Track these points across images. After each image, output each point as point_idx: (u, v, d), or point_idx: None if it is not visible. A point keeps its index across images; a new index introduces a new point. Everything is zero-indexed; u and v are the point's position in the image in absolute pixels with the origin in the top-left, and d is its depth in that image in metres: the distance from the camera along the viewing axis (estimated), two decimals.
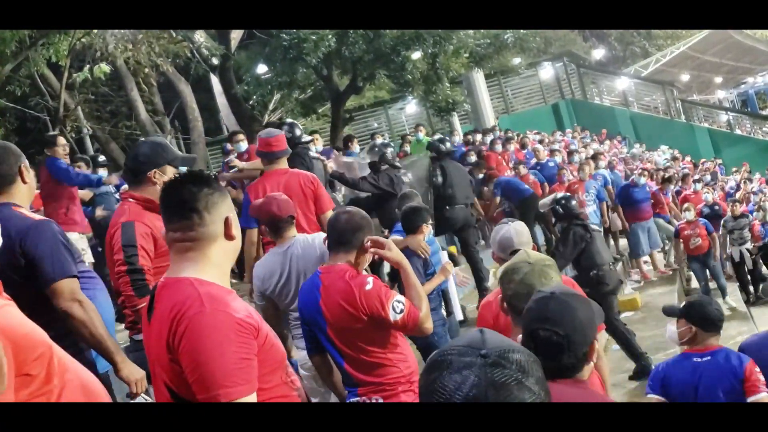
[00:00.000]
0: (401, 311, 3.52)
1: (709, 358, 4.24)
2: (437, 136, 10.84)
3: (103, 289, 3.60)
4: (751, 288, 14.18)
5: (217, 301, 2.30)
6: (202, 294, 2.30)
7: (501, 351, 1.42)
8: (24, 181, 3.42)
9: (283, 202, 4.81)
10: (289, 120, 10.31)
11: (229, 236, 2.45)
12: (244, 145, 9.48)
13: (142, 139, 4.65)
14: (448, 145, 10.14)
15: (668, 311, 4.80)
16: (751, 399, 4.06)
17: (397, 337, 3.72)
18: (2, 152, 3.39)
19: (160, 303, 2.39)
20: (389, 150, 8.97)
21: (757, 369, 4.13)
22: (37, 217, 3.48)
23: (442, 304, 6.17)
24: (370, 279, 3.59)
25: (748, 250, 14.14)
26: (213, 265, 2.42)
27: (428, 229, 6.08)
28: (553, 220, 9.97)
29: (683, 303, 4.66)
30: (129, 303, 3.74)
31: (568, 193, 10.04)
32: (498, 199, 11.99)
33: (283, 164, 6.00)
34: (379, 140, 11.92)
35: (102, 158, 10.88)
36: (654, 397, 4.35)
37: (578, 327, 2.27)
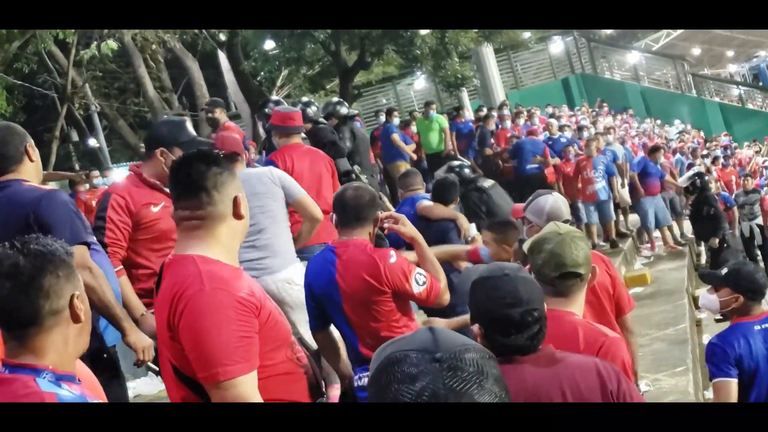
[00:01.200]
0: (423, 283, 3.52)
1: None
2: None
3: (101, 253, 3.57)
4: (762, 264, 14.03)
5: (217, 280, 2.30)
6: (202, 272, 2.30)
7: (455, 353, 1.33)
8: (31, 160, 3.44)
9: (228, 139, 5.00)
10: (305, 98, 10.13)
11: (237, 215, 2.44)
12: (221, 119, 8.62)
13: (166, 117, 4.65)
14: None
15: (708, 277, 4.51)
16: None
17: (412, 315, 3.71)
18: (7, 133, 3.40)
19: (164, 280, 2.40)
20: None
21: None
22: (47, 187, 3.49)
23: None
24: (393, 252, 3.59)
25: (758, 225, 14.08)
26: (220, 243, 2.42)
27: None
28: None
29: (725, 270, 4.34)
30: None
31: None
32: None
33: (297, 140, 5.97)
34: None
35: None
36: (729, 381, 4.03)
37: (541, 297, 2.36)
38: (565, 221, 4.28)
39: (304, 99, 8.44)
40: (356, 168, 7.52)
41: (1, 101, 13.38)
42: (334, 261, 3.60)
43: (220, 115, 8.41)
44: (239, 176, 3.95)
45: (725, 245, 12.06)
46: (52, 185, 4.50)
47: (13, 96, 15.10)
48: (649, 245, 13.26)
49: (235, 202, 2.44)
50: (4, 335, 1.92)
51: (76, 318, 1.91)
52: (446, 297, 3.68)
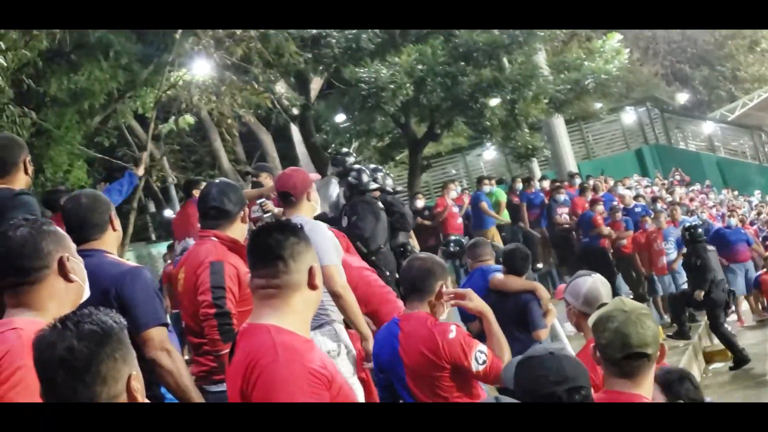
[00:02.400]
0: (483, 362, 3.47)
1: None
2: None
3: (173, 334, 3.53)
4: None
5: (291, 351, 2.31)
6: (277, 343, 2.31)
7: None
8: (114, 229, 3.45)
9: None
10: (373, 165, 10.12)
11: (312, 286, 2.45)
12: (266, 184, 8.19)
13: (213, 181, 4.60)
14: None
15: None
16: None
17: (477, 389, 3.66)
18: (94, 201, 3.43)
19: (238, 349, 2.43)
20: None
21: None
22: (130, 263, 3.46)
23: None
24: (453, 327, 3.54)
25: None
26: (294, 313, 2.42)
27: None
28: None
29: None
30: (213, 347, 3.67)
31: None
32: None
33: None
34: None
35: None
36: None
37: (586, 376, 2.38)
38: (601, 305, 4.24)
39: (372, 165, 8.22)
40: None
41: (81, 174, 13.76)
42: (397, 334, 3.60)
43: (265, 179, 8.17)
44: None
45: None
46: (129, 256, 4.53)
47: (93, 168, 15.57)
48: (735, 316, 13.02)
49: (311, 273, 2.45)
50: None
51: (133, 401, 1.86)
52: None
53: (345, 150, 7.69)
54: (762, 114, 38.10)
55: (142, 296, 3.19)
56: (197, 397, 3.26)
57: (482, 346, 3.53)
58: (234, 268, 3.72)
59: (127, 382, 1.85)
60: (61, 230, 2.56)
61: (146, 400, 1.98)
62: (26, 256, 2.37)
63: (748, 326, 12.74)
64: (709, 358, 10.33)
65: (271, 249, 2.42)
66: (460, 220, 12.75)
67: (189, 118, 15.55)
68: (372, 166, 8.40)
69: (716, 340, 11.07)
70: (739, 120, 35.12)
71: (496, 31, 16.12)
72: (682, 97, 42.44)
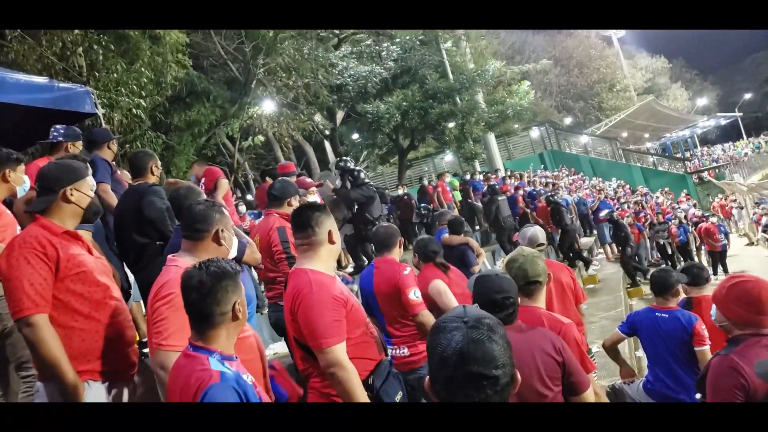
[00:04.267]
0: (418, 297, 3.36)
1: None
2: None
3: (246, 277, 3.39)
4: (680, 264, 13.73)
5: (320, 284, 2.29)
6: (312, 280, 2.30)
7: (476, 317, 1.37)
8: (153, 173, 3.39)
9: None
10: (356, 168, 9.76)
11: (331, 242, 2.44)
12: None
13: (277, 180, 4.48)
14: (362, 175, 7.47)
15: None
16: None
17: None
18: (189, 191, 3.24)
19: (289, 283, 2.41)
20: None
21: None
22: None
23: None
24: (408, 268, 3.42)
25: (668, 243, 13.74)
26: (321, 260, 2.41)
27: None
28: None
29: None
30: (285, 278, 3.63)
31: None
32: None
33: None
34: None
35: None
36: (619, 332, 3.92)
37: (515, 290, 2.39)
38: (540, 245, 4.17)
39: (359, 167, 7.69)
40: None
41: None
42: (373, 271, 3.52)
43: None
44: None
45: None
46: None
47: None
48: (600, 256, 13.03)
49: (330, 234, 2.43)
50: (191, 324, 1.87)
51: (235, 318, 1.86)
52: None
53: (346, 158, 7.60)
54: (617, 130, 38.02)
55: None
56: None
57: (418, 290, 3.40)
58: (290, 230, 3.60)
59: (233, 305, 1.85)
60: (226, 211, 2.47)
61: (245, 320, 1.93)
62: (200, 221, 2.32)
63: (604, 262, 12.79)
64: (585, 282, 10.28)
65: (304, 220, 2.41)
66: (450, 195, 12.44)
67: (260, 138, 15.46)
68: (359, 168, 7.99)
69: (588, 272, 11.06)
70: (602, 134, 35.05)
71: (451, 79, 15.99)
72: (568, 120, 42.27)
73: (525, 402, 2.10)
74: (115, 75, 9.34)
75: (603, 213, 12.45)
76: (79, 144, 3.95)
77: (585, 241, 13.49)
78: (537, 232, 4.13)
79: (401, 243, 3.59)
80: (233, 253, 2.47)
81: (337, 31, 15.74)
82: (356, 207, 6.71)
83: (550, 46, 49.05)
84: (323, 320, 2.22)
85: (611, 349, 4.02)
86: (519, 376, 1.36)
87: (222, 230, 2.36)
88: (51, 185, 2.33)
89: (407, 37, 16.20)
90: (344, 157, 7.45)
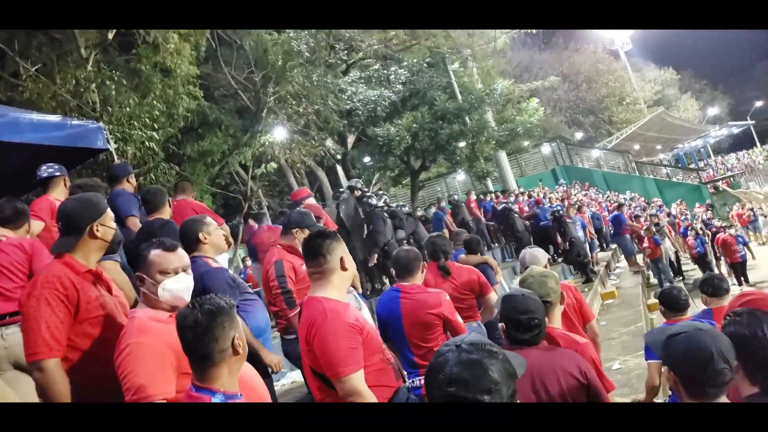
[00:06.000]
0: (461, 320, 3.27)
1: None
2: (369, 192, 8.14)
3: (259, 304, 3.26)
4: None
5: (335, 312, 2.25)
6: (326, 308, 2.26)
7: (471, 342, 1.36)
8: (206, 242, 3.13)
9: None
10: (369, 192, 9.68)
11: (343, 269, 2.40)
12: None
13: (295, 209, 4.42)
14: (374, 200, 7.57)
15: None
16: None
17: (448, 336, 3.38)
18: (193, 222, 3.15)
19: (303, 314, 2.37)
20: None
21: None
22: (214, 264, 3.09)
23: None
24: (446, 294, 3.31)
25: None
26: (334, 287, 2.37)
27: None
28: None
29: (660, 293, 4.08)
30: (282, 313, 3.59)
31: None
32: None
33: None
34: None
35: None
36: (651, 362, 3.67)
37: (541, 310, 2.33)
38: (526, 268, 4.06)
39: (376, 191, 7.66)
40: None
41: (209, 203, 13.81)
42: (398, 297, 3.34)
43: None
44: None
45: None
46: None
47: (215, 198, 15.57)
48: (619, 270, 12.85)
49: (341, 261, 2.39)
50: (191, 366, 1.82)
51: (236, 353, 1.81)
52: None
53: (356, 180, 7.51)
54: (628, 143, 37.83)
55: (216, 289, 2.82)
56: (257, 344, 3.01)
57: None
58: (290, 263, 3.62)
59: (232, 341, 1.80)
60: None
61: (245, 354, 1.86)
62: (73, 219, 2.29)
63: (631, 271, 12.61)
64: (603, 297, 10.11)
65: (315, 249, 2.38)
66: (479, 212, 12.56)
67: (273, 164, 15.55)
68: (376, 191, 8.06)
69: (607, 287, 10.89)
70: (614, 147, 34.89)
71: (460, 100, 16.02)
72: (578, 135, 42.14)
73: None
74: (127, 109, 9.48)
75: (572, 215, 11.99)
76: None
77: (602, 255, 13.32)
78: (534, 252, 4.05)
79: (424, 268, 3.50)
80: (165, 296, 2.22)
81: (345, 57, 15.90)
82: (366, 231, 6.69)
83: (557, 62, 49.15)
84: (340, 349, 2.19)
85: (656, 384, 3.69)
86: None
87: (96, 225, 2.28)
88: (76, 223, 2.31)
89: (414, 60, 16.32)
90: (352, 182, 7.46)
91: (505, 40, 22.88)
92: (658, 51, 67.00)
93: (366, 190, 7.52)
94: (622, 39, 59.03)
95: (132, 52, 9.95)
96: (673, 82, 62.89)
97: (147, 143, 9.50)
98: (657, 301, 4.08)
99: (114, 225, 2.43)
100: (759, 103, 63.46)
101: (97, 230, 2.34)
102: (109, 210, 2.43)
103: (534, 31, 22.93)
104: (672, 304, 3.83)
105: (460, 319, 3.27)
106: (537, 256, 3.98)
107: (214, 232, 3.14)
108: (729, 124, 53.14)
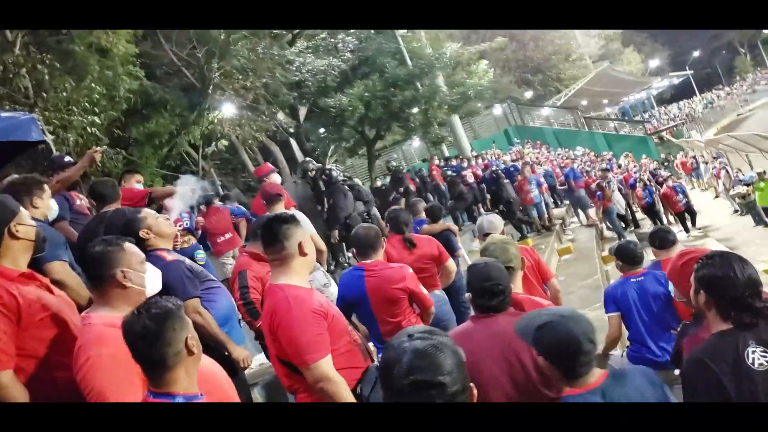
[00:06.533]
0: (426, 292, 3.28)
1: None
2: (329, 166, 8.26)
3: (222, 290, 3.16)
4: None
5: (298, 299, 2.22)
6: (288, 296, 2.22)
7: (422, 331, 1.37)
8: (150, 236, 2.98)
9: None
10: (329, 166, 9.59)
11: (302, 254, 2.34)
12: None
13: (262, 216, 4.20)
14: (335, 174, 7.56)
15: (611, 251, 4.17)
16: None
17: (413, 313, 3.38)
18: (129, 222, 3.00)
19: (265, 302, 2.32)
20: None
21: None
22: (169, 257, 2.95)
23: None
24: (410, 268, 3.30)
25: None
26: (295, 273, 2.32)
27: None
28: None
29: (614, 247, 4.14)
30: (247, 321, 3.52)
31: None
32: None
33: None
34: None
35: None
36: (611, 314, 3.86)
37: (505, 277, 2.37)
38: (486, 234, 4.06)
39: (328, 167, 7.56)
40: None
41: (159, 186, 13.45)
42: (363, 275, 3.33)
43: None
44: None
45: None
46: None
47: (165, 181, 15.14)
48: (573, 226, 13.14)
49: (300, 246, 2.33)
50: (145, 373, 1.75)
51: (191, 353, 1.74)
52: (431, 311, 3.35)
53: (308, 159, 7.38)
54: (576, 99, 38.57)
55: (175, 282, 2.79)
56: (224, 337, 2.94)
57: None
58: (253, 272, 3.51)
59: (185, 342, 1.73)
60: (132, 247, 2.26)
61: (201, 352, 1.79)
62: (97, 265, 2.12)
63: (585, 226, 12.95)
64: (560, 253, 10.35)
65: (273, 235, 2.32)
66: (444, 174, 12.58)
67: (224, 142, 15.17)
68: (333, 165, 7.96)
69: (563, 243, 11.14)
70: (563, 105, 35.48)
71: (410, 66, 15.88)
72: (528, 94, 42.59)
73: (526, 389, 2.08)
74: (64, 94, 8.99)
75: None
76: None
77: (557, 212, 13.61)
78: (492, 219, 4.08)
79: (383, 243, 3.47)
80: (152, 288, 2.24)
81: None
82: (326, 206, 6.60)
83: None
84: (305, 336, 2.15)
85: (617, 336, 3.86)
86: (475, 391, 1.34)
87: (124, 271, 2.14)
88: None
89: None
90: (307, 159, 7.33)
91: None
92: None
93: (319, 165, 7.40)
94: None
95: (64, 33, 9.36)
96: (616, 36, 63.99)
97: (89, 129, 9.08)
98: (612, 254, 4.20)
99: (33, 222, 2.29)
100: (696, 53, 65.41)
101: (17, 230, 2.19)
102: (23, 209, 2.27)
103: None
104: (629, 258, 3.91)
105: (424, 290, 3.28)
106: (494, 222, 4.00)
107: (155, 222, 2.98)
108: (670, 75, 54.76)
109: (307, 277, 2.40)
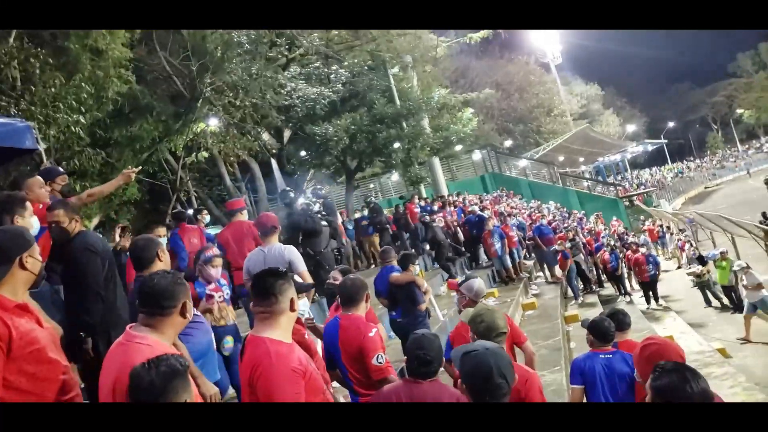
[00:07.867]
0: (380, 362, 3.23)
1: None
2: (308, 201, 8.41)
3: (204, 327, 3.21)
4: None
5: (279, 356, 2.23)
6: (271, 351, 2.23)
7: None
8: (160, 260, 3.12)
9: (269, 217, 4.53)
10: (308, 201, 9.63)
11: (292, 309, 2.37)
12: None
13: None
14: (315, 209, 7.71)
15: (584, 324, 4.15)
16: None
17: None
18: (149, 243, 3.15)
19: (246, 352, 2.32)
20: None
21: None
22: None
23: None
24: (375, 329, 3.32)
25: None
26: (281, 328, 2.32)
27: (416, 268, 5.75)
28: None
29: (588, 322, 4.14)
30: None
31: None
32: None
33: (241, 218, 5.70)
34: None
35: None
36: (575, 387, 3.84)
37: (437, 348, 2.65)
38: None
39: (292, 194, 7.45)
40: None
41: (134, 190, 13.28)
42: (338, 327, 3.38)
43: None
44: (265, 251, 3.62)
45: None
46: None
47: (142, 186, 14.94)
48: (539, 281, 13.16)
49: (291, 302, 2.35)
50: None
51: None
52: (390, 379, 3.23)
53: (288, 188, 7.42)
54: (554, 154, 39.45)
55: None
56: (196, 371, 2.95)
57: (383, 354, 3.29)
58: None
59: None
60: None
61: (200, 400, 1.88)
62: (167, 298, 2.20)
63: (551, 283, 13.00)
64: (525, 308, 10.45)
65: (267, 288, 2.33)
66: (418, 216, 12.18)
67: (204, 153, 15.12)
68: (314, 186, 7.95)
69: (528, 298, 11.28)
70: (541, 158, 36.24)
71: (398, 105, 16.18)
72: (508, 143, 43.48)
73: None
74: (52, 89, 8.91)
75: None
76: None
77: (528, 263, 13.79)
78: (482, 284, 4.21)
79: (368, 297, 3.50)
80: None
81: (286, 52, 15.65)
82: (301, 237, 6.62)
83: (492, 70, 50.57)
84: (284, 396, 2.16)
85: None
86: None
87: (187, 302, 2.26)
88: (7, 254, 2.18)
89: (355, 61, 16.30)
90: (287, 188, 7.40)
91: (445, 49, 23.26)
92: (585, 66, 70.33)
93: (297, 193, 7.44)
94: (553, 52, 61.65)
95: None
96: (598, 97, 66.26)
97: (73, 128, 8.98)
98: (574, 313, 4.30)
99: (40, 258, 2.32)
100: (671, 124, 68.04)
101: (27, 262, 2.23)
102: (35, 244, 2.31)
103: (471, 40, 23.31)
104: (600, 334, 3.93)
105: (377, 362, 3.21)
106: (483, 287, 4.11)
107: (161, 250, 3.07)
108: (645, 141, 56.70)
109: (291, 333, 2.41)
